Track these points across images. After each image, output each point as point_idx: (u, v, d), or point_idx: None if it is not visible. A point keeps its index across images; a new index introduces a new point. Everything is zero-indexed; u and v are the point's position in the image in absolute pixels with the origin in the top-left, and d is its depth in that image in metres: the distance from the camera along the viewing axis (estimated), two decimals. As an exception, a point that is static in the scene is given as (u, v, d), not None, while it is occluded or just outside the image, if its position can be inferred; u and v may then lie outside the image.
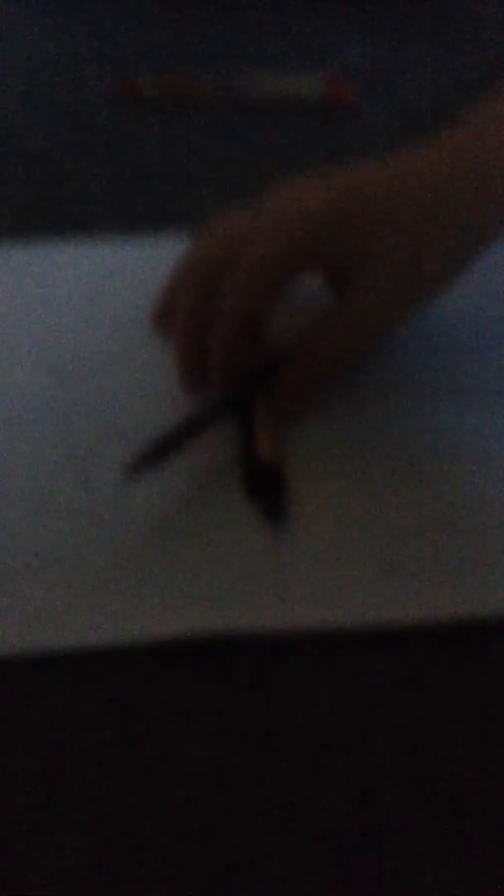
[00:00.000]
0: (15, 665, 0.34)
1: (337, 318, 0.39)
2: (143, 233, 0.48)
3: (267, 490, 0.38)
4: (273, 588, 0.35)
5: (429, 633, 0.34)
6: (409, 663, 0.34)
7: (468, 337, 0.43)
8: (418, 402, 0.41)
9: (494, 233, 0.37)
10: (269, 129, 0.54)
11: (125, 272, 0.46)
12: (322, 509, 0.37)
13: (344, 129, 0.54)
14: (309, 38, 0.59)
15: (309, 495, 0.38)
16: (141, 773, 0.32)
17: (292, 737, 0.32)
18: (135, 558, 0.36)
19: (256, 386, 0.40)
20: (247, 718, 0.33)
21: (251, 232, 0.38)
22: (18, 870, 0.30)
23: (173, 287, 0.42)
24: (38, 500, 0.38)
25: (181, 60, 0.58)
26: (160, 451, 0.37)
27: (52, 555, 0.36)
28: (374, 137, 0.54)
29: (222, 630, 0.34)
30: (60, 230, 0.48)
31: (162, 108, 0.55)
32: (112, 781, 0.31)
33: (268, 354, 0.40)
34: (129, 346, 0.43)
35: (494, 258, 0.39)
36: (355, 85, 0.55)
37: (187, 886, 0.29)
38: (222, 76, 0.55)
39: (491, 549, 0.36)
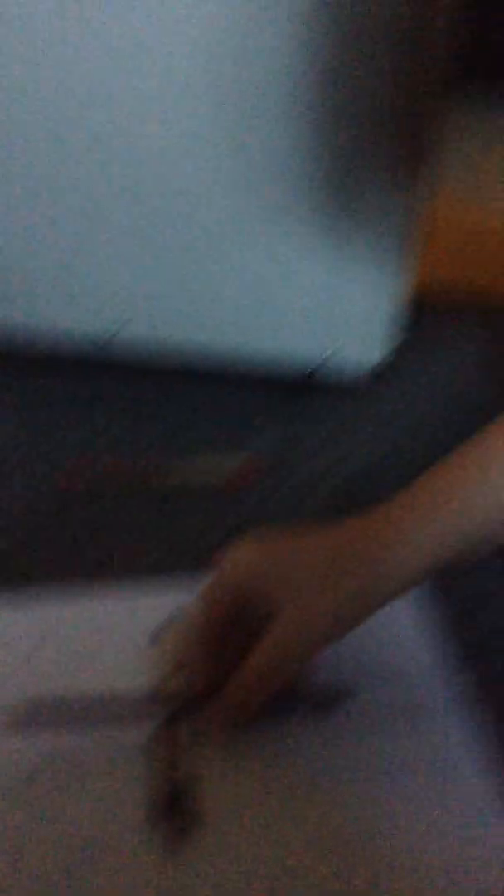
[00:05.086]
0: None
1: (256, 653, 0.45)
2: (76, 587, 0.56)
3: (173, 819, 0.42)
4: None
5: None
6: None
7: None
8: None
9: (381, 602, 0.44)
10: (180, 510, 0.63)
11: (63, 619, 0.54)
12: (227, 838, 0.42)
13: (246, 506, 0.63)
14: (221, 430, 0.69)
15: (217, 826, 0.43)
16: None
17: None
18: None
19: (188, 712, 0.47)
20: None
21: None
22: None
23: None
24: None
25: (114, 451, 0.67)
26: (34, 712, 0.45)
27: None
28: (271, 512, 0.63)
29: None
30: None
31: (91, 495, 0.63)
32: None
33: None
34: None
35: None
36: (259, 468, 0.65)
37: None
38: (145, 465, 0.64)
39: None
